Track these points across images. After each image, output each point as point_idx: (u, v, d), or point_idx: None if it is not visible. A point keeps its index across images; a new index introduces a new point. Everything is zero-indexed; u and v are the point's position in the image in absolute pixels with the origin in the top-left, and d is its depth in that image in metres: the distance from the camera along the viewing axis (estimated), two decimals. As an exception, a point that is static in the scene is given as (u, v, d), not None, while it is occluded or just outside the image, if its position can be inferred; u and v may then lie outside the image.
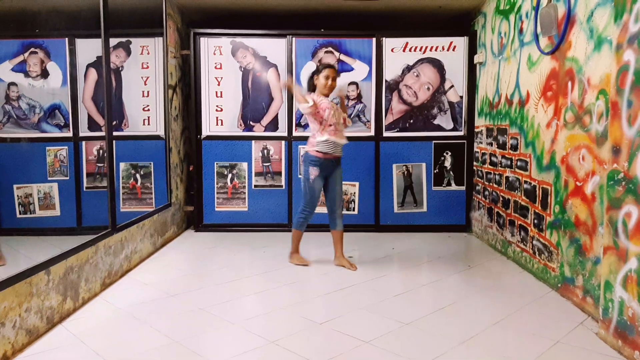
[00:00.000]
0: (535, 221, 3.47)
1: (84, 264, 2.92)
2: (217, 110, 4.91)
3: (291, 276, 3.49)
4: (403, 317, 2.73)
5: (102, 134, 3.28)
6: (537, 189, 3.45)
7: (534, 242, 3.49)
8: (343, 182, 3.83)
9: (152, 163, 4.23)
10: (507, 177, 4.02)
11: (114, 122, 3.42)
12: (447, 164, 4.97)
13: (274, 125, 4.93)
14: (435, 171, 4.97)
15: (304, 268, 3.68)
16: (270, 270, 3.62)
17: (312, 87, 3.71)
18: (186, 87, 5.15)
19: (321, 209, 4.84)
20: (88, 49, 3.21)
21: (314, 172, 3.59)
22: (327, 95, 3.66)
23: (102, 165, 3.29)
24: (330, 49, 4.88)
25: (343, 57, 4.89)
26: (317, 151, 3.57)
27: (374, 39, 4.87)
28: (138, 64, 4.05)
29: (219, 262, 3.89)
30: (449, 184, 4.99)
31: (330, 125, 3.56)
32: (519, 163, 3.77)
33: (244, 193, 4.98)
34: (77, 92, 3.09)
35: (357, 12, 4.98)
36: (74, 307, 2.80)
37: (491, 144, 4.40)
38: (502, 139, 4.12)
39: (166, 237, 4.49)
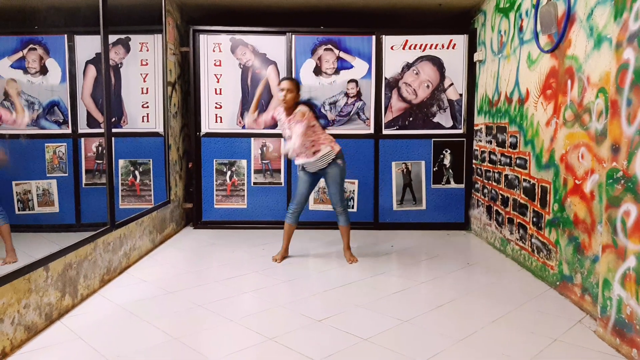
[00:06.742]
0: (534, 219, 3.48)
1: (83, 260, 2.92)
2: (216, 107, 4.90)
3: (290, 273, 3.49)
4: (401, 314, 2.73)
5: (101, 130, 3.28)
6: (536, 187, 3.45)
7: (533, 240, 3.50)
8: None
9: (151, 160, 4.23)
10: (506, 175, 4.02)
11: (113, 119, 3.42)
12: (447, 162, 4.97)
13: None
14: (434, 169, 4.97)
15: (304, 265, 3.69)
16: (268, 268, 3.62)
17: None
18: (185, 84, 5.15)
19: (325, 207, 4.90)
20: (87, 45, 3.20)
21: (299, 166, 3.81)
22: (288, 110, 3.61)
23: (101, 162, 3.28)
24: (329, 46, 4.87)
25: (343, 55, 4.88)
26: None
27: (373, 37, 4.87)
28: (137, 60, 4.05)
29: (218, 259, 3.89)
30: (448, 182, 4.99)
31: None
32: (518, 161, 3.77)
33: (243, 190, 4.98)
34: (76, 88, 3.09)
35: (357, 9, 4.97)
36: (73, 303, 2.81)
37: (490, 142, 4.40)
38: (501, 137, 4.12)
39: (165, 234, 4.49)
